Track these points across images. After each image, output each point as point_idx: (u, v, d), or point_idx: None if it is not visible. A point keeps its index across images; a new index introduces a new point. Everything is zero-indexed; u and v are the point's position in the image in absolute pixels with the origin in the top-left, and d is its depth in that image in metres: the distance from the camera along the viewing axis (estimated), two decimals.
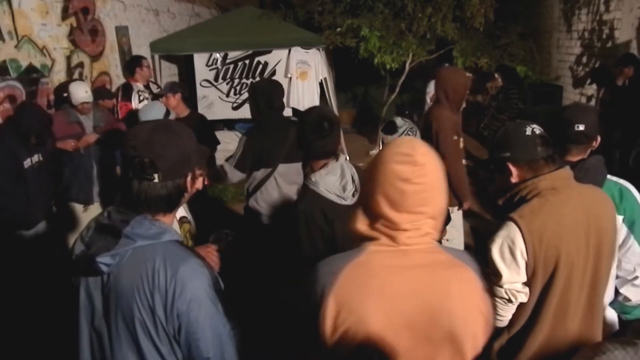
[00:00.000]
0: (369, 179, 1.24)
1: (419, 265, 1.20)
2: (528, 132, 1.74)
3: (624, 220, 2.02)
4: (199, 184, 1.50)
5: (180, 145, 1.39)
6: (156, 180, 1.34)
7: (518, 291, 1.71)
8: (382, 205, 1.19)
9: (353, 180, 2.20)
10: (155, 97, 5.61)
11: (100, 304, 1.39)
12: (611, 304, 2.13)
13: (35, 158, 3.68)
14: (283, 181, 3.19)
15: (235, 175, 3.26)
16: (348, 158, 2.48)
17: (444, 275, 1.21)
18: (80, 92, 4.23)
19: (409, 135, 2.49)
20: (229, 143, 7.37)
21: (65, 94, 4.34)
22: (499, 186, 1.84)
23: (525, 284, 1.71)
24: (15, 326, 3.33)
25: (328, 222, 2.08)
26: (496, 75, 6.99)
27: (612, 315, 2.14)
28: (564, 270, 1.66)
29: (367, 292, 1.18)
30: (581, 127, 2.01)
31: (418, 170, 1.16)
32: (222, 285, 1.42)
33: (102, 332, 1.40)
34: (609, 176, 2.06)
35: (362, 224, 1.24)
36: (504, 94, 6.59)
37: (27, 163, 3.59)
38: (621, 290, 2.11)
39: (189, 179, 1.43)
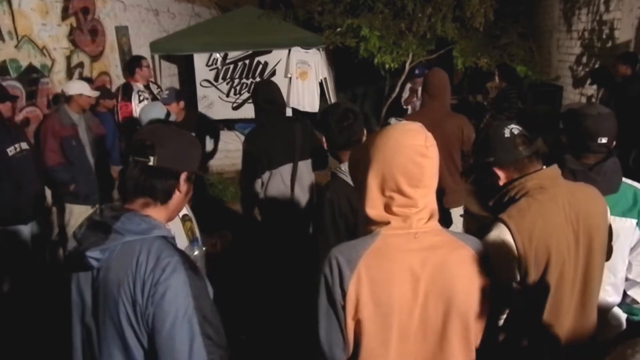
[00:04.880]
0: (380, 159, 1.25)
1: (429, 247, 1.26)
2: (507, 133, 1.75)
3: (637, 223, 2.02)
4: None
5: (182, 142, 1.46)
6: (151, 163, 1.38)
7: None
8: (400, 182, 1.23)
9: None
10: (155, 97, 5.63)
11: (90, 300, 1.40)
12: (619, 306, 2.13)
13: (20, 146, 3.64)
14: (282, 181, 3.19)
15: (255, 187, 3.26)
16: None
17: (450, 256, 1.27)
18: (85, 87, 4.29)
19: None
20: (229, 143, 7.37)
21: (66, 93, 4.31)
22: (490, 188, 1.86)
23: (518, 283, 1.72)
24: (14, 326, 3.33)
25: (353, 211, 2.10)
26: (496, 74, 7.01)
27: (619, 316, 2.15)
28: (555, 268, 1.67)
29: (387, 276, 1.24)
30: (604, 140, 1.99)
31: (431, 146, 1.24)
32: (210, 289, 1.43)
33: (92, 329, 1.41)
34: (624, 179, 2.06)
35: (374, 208, 1.27)
36: (503, 94, 6.60)
37: (11, 150, 3.56)
38: (629, 293, 2.11)
39: (183, 178, 1.45)
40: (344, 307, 1.24)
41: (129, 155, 1.40)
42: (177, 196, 1.46)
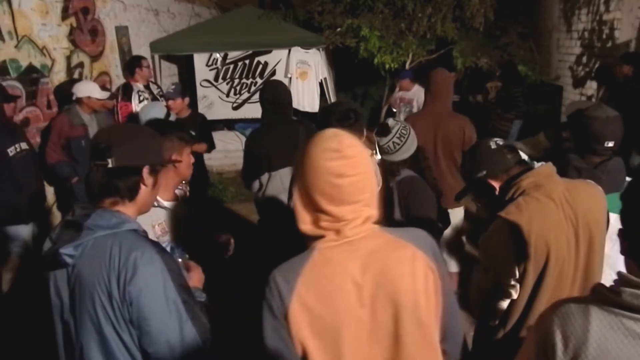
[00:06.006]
0: (301, 177, 1.24)
1: (367, 253, 1.23)
2: (493, 146, 1.82)
3: None
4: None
5: (139, 137, 1.49)
6: (110, 164, 1.42)
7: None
8: (321, 203, 1.20)
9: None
10: (155, 97, 5.63)
11: (67, 298, 1.44)
12: None
13: (20, 146, 3.64)
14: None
15: (253, 186, 3.25)
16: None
17: (389, 258, 1.24)
18: (97, 89, 4.35)
19: (402, 134, 2.50)
20: (229, 143, 7.38)
21: (74, 96, 4.34)
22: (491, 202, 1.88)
23: (516, 280, 1.73)
24: (14, 325, 3.33)
25: None
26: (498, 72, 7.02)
27: None
28: (555, 265, 1.68)
29: (328, 291, 1.20)
30: (610, 144, 2.02)
31: (349, 164, 1.19)
32: (184, 275, 1.49)
33: (70, 325, 1.44)
34: (628, 179, 2.07)
35: (305, 223, 1.24)
36: (508, 93, 6.57)
37: (11, 151, 3.57)
38: None
39: (145, 172, 1.49)
40: (288, 330, 1.20)
41: (91, 159, 1.46)
42: (144, 190, 1.51)
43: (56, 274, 1.45)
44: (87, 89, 4.35)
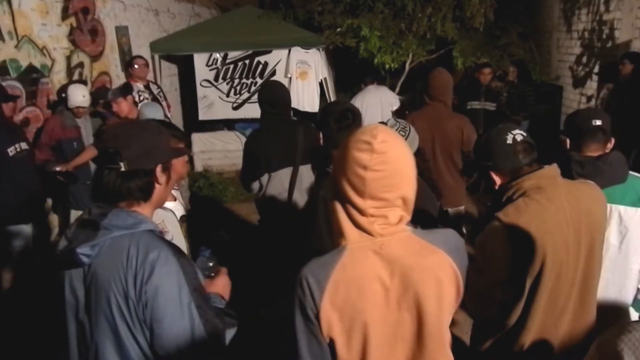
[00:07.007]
0: (336, 165, 1.28)
1: (396, 257, 1.24)
2: (509, 140, 1.75)
3: None
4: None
5: (146, 137, 1.47)
6: (122, 168, 1.40)
7: None
8: (347, 190, 1.23)
9: None
10: (155, 97, 5.63)
11: (83, 297, 1.43)
12: (632, 304, 2.12)
13: (20, 146, 3.63)
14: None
15: (253, 187, 3.24)
16: None
17: (418, 265, 1.25)
18: (78, 96, 4.21)
19: (400, 134, 2.50)
20: (229, 143, 7.39)
21: (63, 95, 4.33)
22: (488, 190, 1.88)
23: (510, 282, 1.72)
24: (14, 324, 3.33)
25: None
26: (511, 69, 7.00)
27: (632, 315, 2.14)
28: (553, 268, 1.67)
29: (357, 292, 1.23)
30: (598, 122, 2.07)
31: (377, 158, 1.19)
32: (200, 280, 1.47)
33: (85, 324, 1.44)
34: (631, 172, 2.09)
35: (340, 214, 1.26)
36: (518, 94, 6.53)
37: (11, 151, 3.56)
38: None
39: (158, 170, 1.48)
40: (319, 327, 1.24)
41: (100, 164, 1.44)
42: (158, 188, 1.51)
43: (72, 273, 1.44)
44: (67, 93, 4.22)
